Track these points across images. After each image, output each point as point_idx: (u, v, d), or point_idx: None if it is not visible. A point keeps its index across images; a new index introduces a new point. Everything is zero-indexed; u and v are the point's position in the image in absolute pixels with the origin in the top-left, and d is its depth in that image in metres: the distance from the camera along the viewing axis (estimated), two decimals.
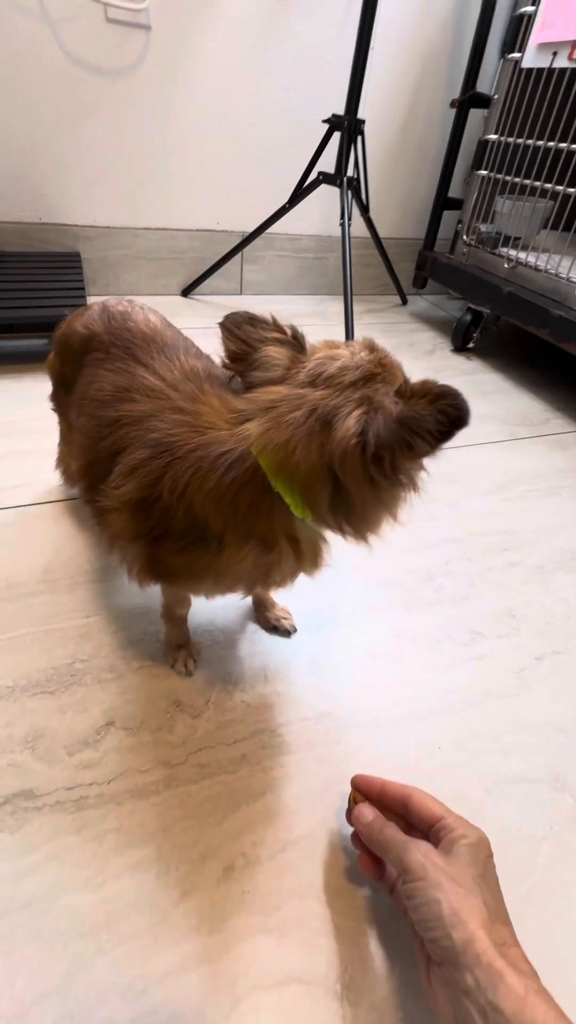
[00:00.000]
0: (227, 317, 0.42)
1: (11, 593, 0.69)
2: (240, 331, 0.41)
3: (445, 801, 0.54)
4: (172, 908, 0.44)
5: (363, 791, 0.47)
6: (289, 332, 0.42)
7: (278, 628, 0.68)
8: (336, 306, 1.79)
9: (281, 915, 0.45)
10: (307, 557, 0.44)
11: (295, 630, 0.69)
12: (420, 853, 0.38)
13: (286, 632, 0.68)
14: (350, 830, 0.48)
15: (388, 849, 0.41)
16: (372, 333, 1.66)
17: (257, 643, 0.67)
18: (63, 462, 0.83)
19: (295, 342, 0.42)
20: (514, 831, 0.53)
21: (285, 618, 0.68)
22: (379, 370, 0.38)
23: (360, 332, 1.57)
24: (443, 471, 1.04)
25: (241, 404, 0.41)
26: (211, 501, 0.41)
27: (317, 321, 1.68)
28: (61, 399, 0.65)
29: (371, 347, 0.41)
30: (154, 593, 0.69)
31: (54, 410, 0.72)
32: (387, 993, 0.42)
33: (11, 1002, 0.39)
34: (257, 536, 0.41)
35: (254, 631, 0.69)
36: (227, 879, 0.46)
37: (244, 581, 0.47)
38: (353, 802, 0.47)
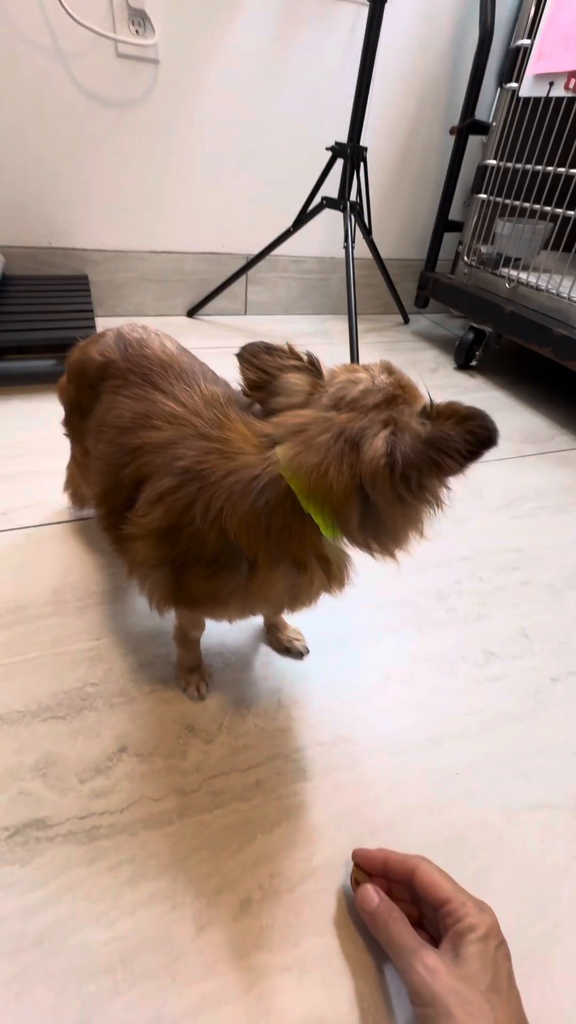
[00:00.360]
0: (244, 348, 0.43)
1: (20, 616, 0.68)
2: (258, 360, 0.42)
3: (466, 829, 0.53)
4: (188, 944, 0.43)
5: (365, 867, 0.46)
6: (306, 358, 0.43)
7: (291, 650, 0.67)
8: (339, 325, 1.81)
9: (301, 951, 0.43)
10: (336, 576, 0.45)
11: (308, 651, 0.68)
12: (426, 971, 0.36)
13: (299, 654, 0.67)
14: None
15: (393, 952, 0.39)
16: (375, 351, 1.68)
17: (270, 665, 0.66)
18: (72, 484, 0.83)
19: (312, 368, 0.42)
20: (537, 860, 0.51)
21: (297, 639, 0.68)
22: (400, 391, 0.39)
23: (363, 350, 1.58)
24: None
25: (268, 428, 0.41)
26: (244, 525, 0.41)
27: (320, 340, 1.70)
28: (76, 425, 0.65)
29: (389, 370, 0.41)
30: (165, 616, 0.69)
31: (67, 435, 0.72)
32: None
33: None
34: (290, 558, 0.42)
35: (266, 653, 0.68)
36: (244, 913, 0.45)
37: (273, 604, 0.47)
38: (356, 883, 0.45)
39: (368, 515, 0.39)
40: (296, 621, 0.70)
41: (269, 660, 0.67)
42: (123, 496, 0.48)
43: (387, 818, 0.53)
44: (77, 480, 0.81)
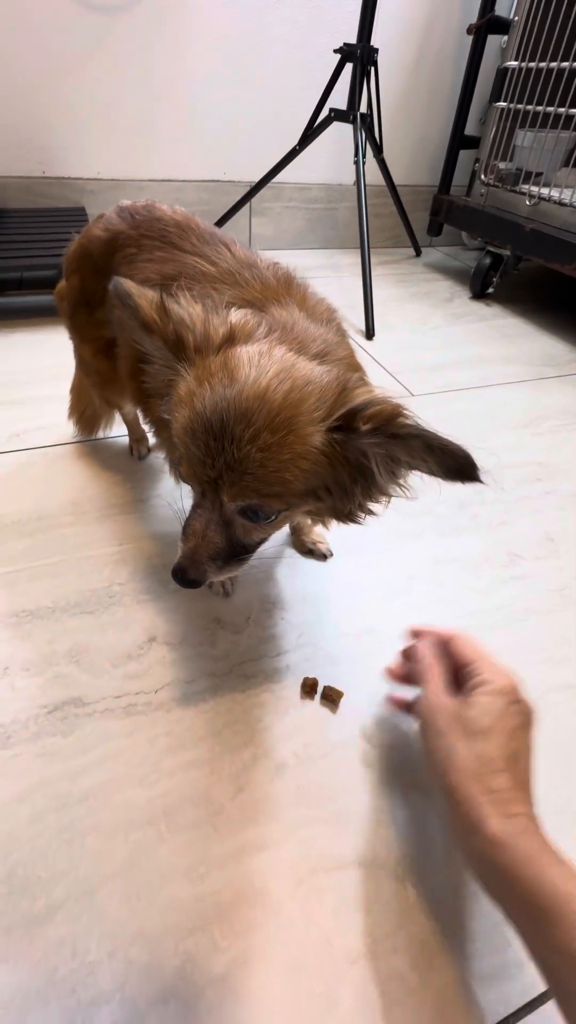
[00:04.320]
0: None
1: (41, 525, 0.68)
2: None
3: None
4: (228, 802, 0.44)
5: (421, 634, 0.48)
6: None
7: (314, 552, 0.67)
8: (348, 259, 1.73)
9: (337, 807, 0.45)
10: None
11: (331, 554, 0.67)
12: (432, 694, 0.40)
13: (322, 556, 0.67)
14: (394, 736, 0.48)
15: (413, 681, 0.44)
16: (387, 284, 1.61)
17: (294, 567, 0.66)
18: (77, 408, 0.81)
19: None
20: (570, 735, 0.52)
21: (320, 542, 0.67)
22: None
23: (375, 284, 1.52)
24: (469, 409, 1.02)
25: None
26: None
27: (331, 274, 1.63)
28: (83, 320, 0.63)
29: None
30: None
31: (72, 337, 0.69)
32: (450, 874, 0.41)
33: (78, 884, 0.39)
34: None
35: (291, 555, 0.68)
36: (280, 776, 0.46)
37: None
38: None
39: None
40: (317, 528, 0.70)
41: (294, 562, 0.67)
42: None
43: None
44: (84, 401, 0.79)
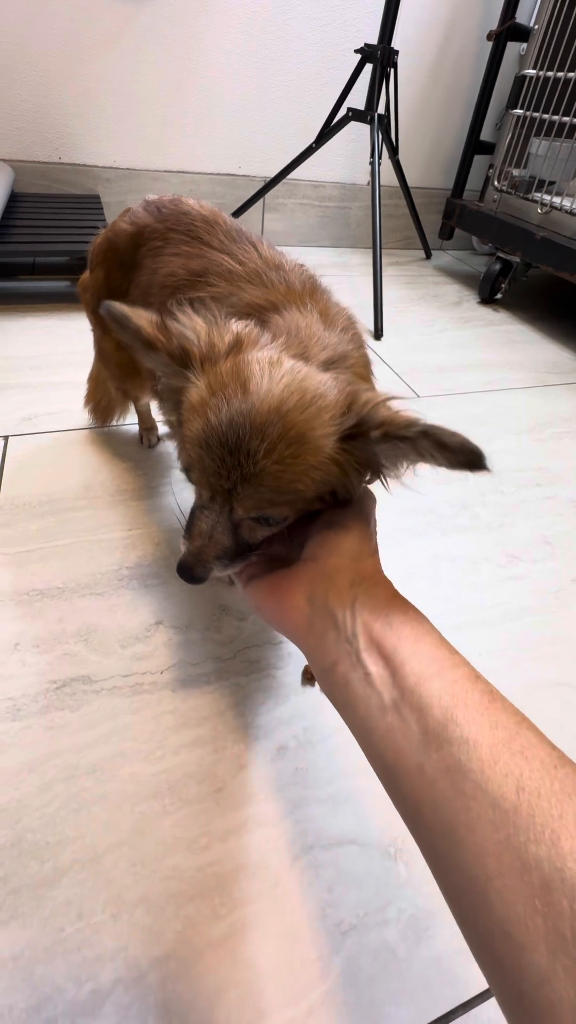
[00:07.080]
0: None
1: (53, 507, 0.70)
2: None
3: None
4: (230, 779, 0.46)
5: None
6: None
7: None
8: (358, 258, 1.75)
9: (334, 788, 0.47)
10: None
11: None
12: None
13: None
14: None
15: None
16: (396, 286, 1.62)
17: None
18: (93, 397, 0.82)
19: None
20: (556, 731, 0.54)
21: None
22: None
23: (384, 285, 1.53)
24: (473, 412, 1.03)
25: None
26: None
27: (340, 272, 1.64)
28: None
29: None
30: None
31: (94, 330, 0.71)
32: None
33: (84, 850, 0.41)
34: None
35: None
36: (281, 757, 0.48)
37: None
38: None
39: None
40: None
41: None
42: None
43: None
44: (100, 390, 0.81)
